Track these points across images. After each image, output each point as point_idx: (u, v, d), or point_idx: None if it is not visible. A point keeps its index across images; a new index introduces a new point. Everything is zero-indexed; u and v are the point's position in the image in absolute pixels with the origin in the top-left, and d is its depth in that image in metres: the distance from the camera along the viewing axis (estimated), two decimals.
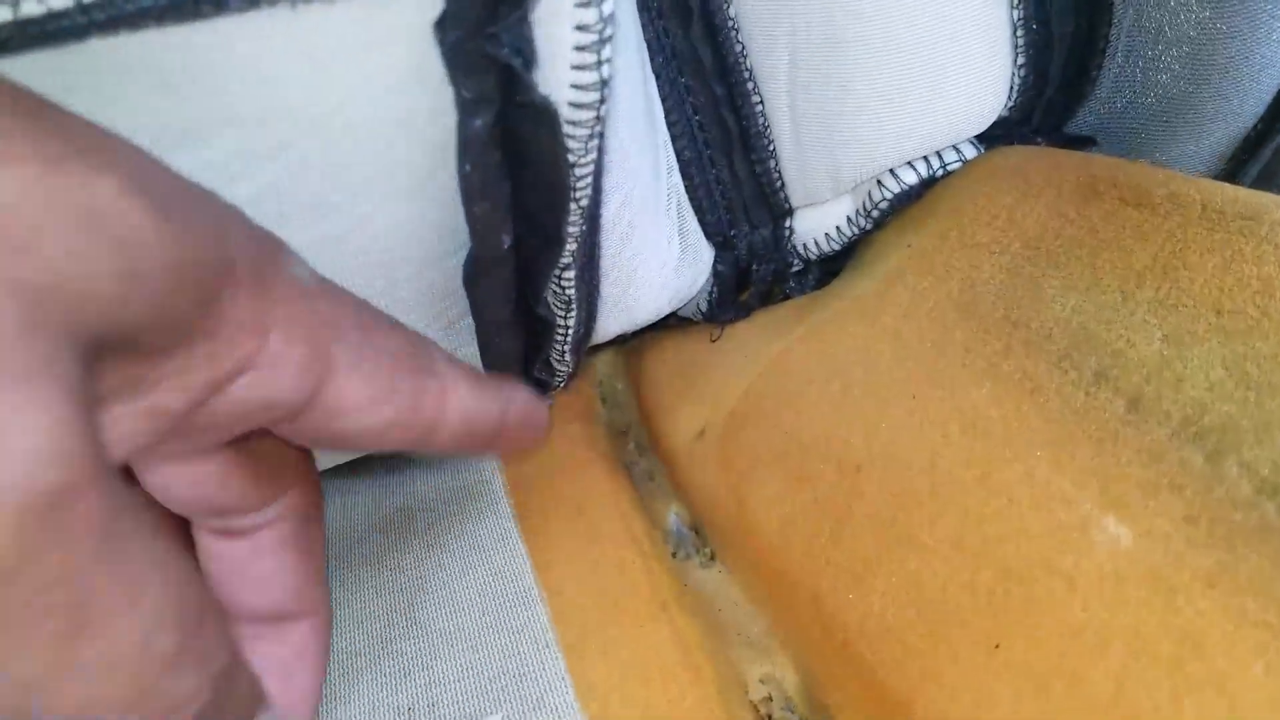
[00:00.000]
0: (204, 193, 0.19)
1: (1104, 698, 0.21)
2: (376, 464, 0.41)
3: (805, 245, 0.39)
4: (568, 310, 0.33)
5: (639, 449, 0.43)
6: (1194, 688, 0.19)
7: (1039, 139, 0.38)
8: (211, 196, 0.19)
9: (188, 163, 0.23)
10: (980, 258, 0.32)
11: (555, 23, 0.23)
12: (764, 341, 0.39)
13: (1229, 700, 0.19)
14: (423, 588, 0.34)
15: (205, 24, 0.21)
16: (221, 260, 0.18)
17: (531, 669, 0.30)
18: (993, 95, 0.35)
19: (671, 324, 0.44)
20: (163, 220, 0.16)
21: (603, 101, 0.25)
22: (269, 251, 0.20)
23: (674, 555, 0.37)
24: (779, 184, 0.38)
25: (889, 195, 0.36)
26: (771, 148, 0.37)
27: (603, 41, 0.24)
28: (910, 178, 0.36)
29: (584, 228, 0.29)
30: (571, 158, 0.26)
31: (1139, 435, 0.24)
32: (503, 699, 0.30)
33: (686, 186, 0.37)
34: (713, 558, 0.36)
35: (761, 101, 0.36)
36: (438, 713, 0.30)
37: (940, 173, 0.36)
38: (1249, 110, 0.35)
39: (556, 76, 0.24)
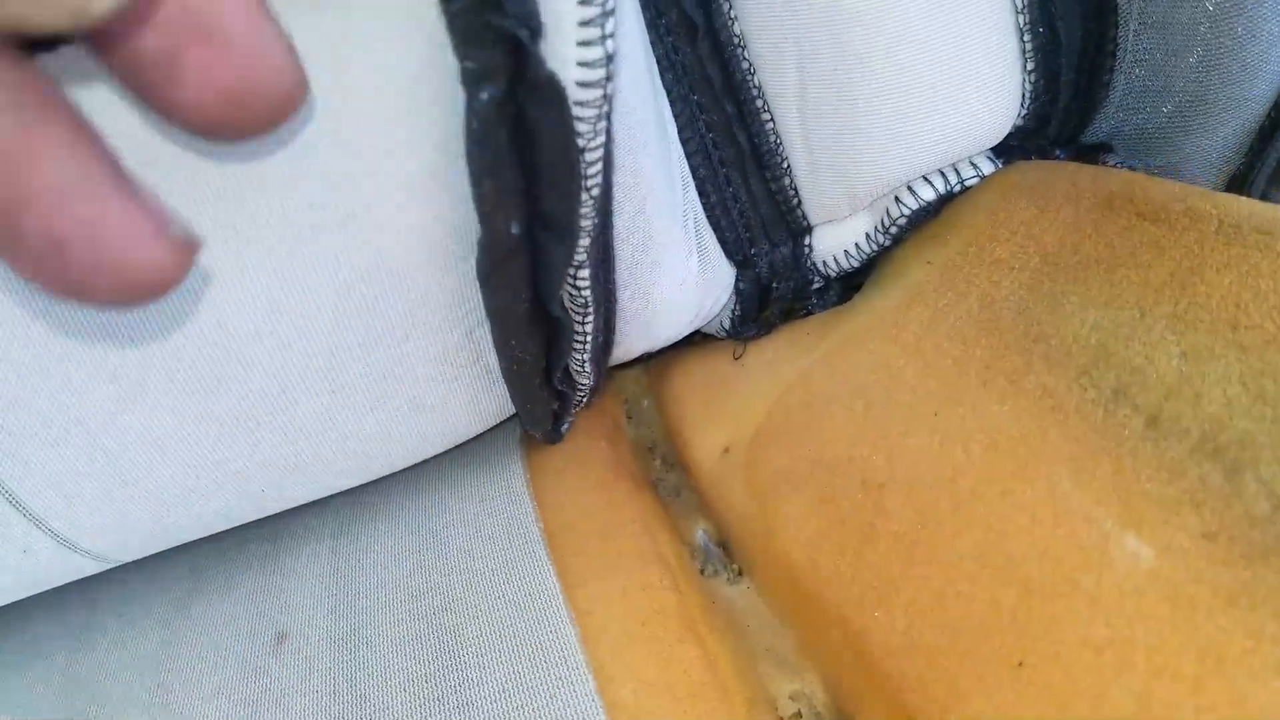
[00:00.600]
0: None
1: (1126, 715, 0.21)
2: (408, 487, 0.41)
3: (825, 262, 0.40)
4: (584, 313, 0.33)
5: (666, 465, 0.44)
6: (1215, 705, 0.20)
7: (1057, 151, 0.38)
8: None
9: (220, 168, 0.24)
10: (1000, 274, 0.32)
11: (558, 1, 0.24)
12: (787, 359, 0.39)
13: (1250, 717, 0.19)
14: (452, 609, 0.34)
15: None
16: None
17: (561, 690, 0.31)
18: (1004, 104, 0.35)
19: (695, 341, 0.45)
20: None
21: (609, 79, 0.26)
22: None
23: (702, 572, 0.37)
24: (795, 201, 0.38)
25: (906, 211, 0.36)
26: (785, 165, 0.37)
27: (606, 15, 0.24)
28: (928, 194, 0.36)
29: (596, 221, 0.29)
30: (581, 141, 0.26)
31: (1158, 452, 0.24)
32: None
33: (704, 205, 0.38)
34: (740, 574, 0.37)
35: (772, 119, 0.37)
36: None
37: (958, 188, 0.36)
38: (1260, 94, 0.35)
39: (563, 54, 0.25)
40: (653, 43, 0.35)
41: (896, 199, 0.37)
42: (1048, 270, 0.31)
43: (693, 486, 0.41)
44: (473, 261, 0.29)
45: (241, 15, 0.19)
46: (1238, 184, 0.38)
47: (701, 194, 0.38)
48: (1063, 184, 0.33)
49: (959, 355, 0.31)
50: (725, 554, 0.38)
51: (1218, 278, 0.26)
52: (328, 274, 0.29)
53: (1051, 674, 0.22)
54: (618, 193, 0.32)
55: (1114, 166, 0.38)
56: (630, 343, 0.39)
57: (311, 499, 0.38)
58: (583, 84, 0.25)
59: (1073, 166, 0.34)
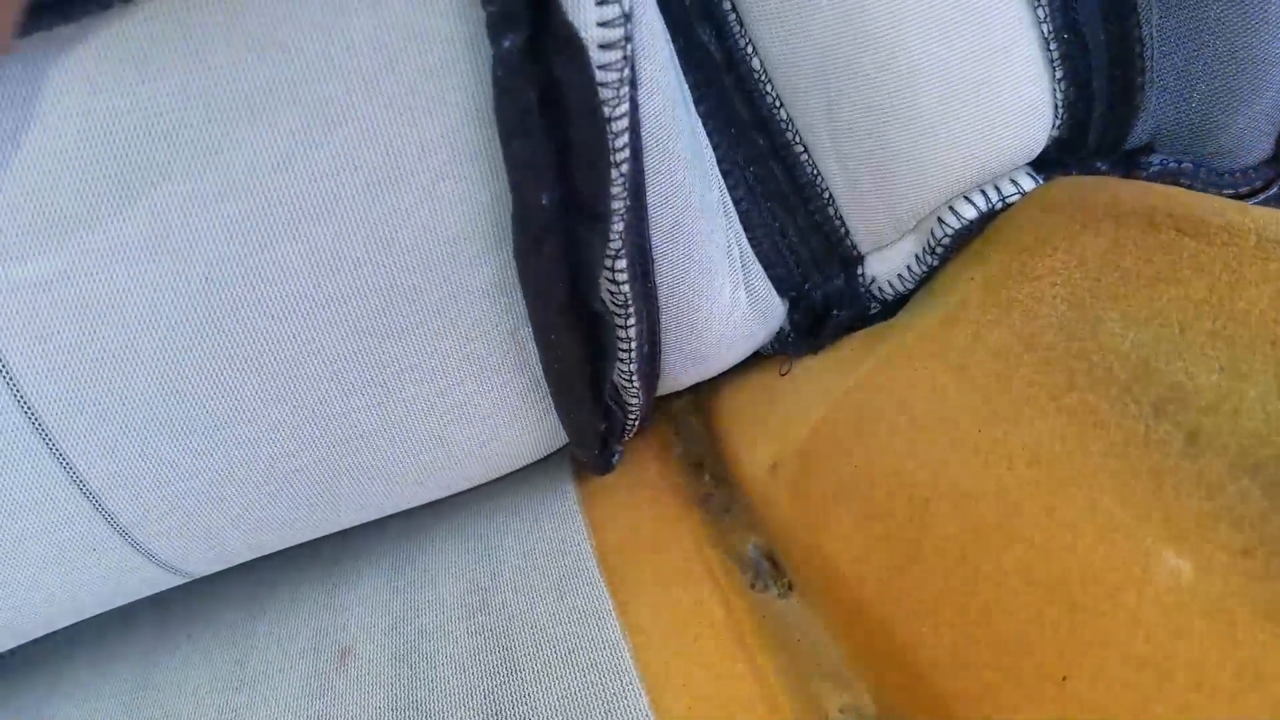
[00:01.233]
0: None
1: None
2: (463, 508, 0.42)
3: (880, 288, 0.40)
4: (625, 313, 0.34)
5: (715, 480, 0.44)
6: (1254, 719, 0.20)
7: (1098, 162, 0.38)
8: None
9: (261, 135, 0.25)
10: (1042, 290, 0.33)
11: None
12: (833, 375, 0.39)
13: None
14: (509, 626, 0.35)
15: None
16: None
17: (616, 705, 0.32)
18: (1037, 116, 0.35)
19: None
20: None
21: (628, 40, 0.27)
22: None
23: (752, 587, 0.38)
24: (844, 232, 0.39)
25: (950, 231, 0.37)
26: (827, 195, 0.38)
27: None
28: (969, 212, 0.37)
29: (629, 204, 0.30)
30: (607, 109, 0.27)
31: (1197, 468, 0.24)
32: None
33: (750, 240, 0.38)
34: (790, 588, 0.37)
35: (806, 150, 0.37)
36: None
37: (999, 205, 0.37)
38: None
39: (583, 13, 0.26)
40: (685, 71, 0.36)
41: (940, 219, 0.37)
42: (1089, 286, 0.31)
43: (742, 501, 0.42)
44: (510, 251, 0.30)
45: None
46: None
47: (747, 228, 0.38)
48: (1103, 199, 0.33)
49: (1002, 372, 0.31)
50: (775, 568, 0.39)
51: (1256, 293, 0.26)
52: (376, 242, 0.29)
53: (1095, 689, 0.23)
54: (651, 186, 0.32)
55: (1166, 166, 0.38)
56: (679, 374, 0.40)
57: (371, 518, 0.39)
58: (604, 45, 0.26)
59: (1114, 182, 0.35)
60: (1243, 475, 0.23)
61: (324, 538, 0.41)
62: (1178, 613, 0.22)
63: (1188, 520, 0.23)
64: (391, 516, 0.42)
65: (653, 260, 0.34)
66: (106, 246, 0.27)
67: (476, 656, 0.35)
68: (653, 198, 0.32)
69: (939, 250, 0.38)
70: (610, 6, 0.26)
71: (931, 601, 0.28)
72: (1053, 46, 0.34)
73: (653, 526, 0.39)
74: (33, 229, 0.26)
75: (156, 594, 0.40)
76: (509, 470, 0.40)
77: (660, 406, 0.48)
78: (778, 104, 0.37)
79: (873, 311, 0.41)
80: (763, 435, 0.41)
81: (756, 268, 0.39)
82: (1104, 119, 0.36)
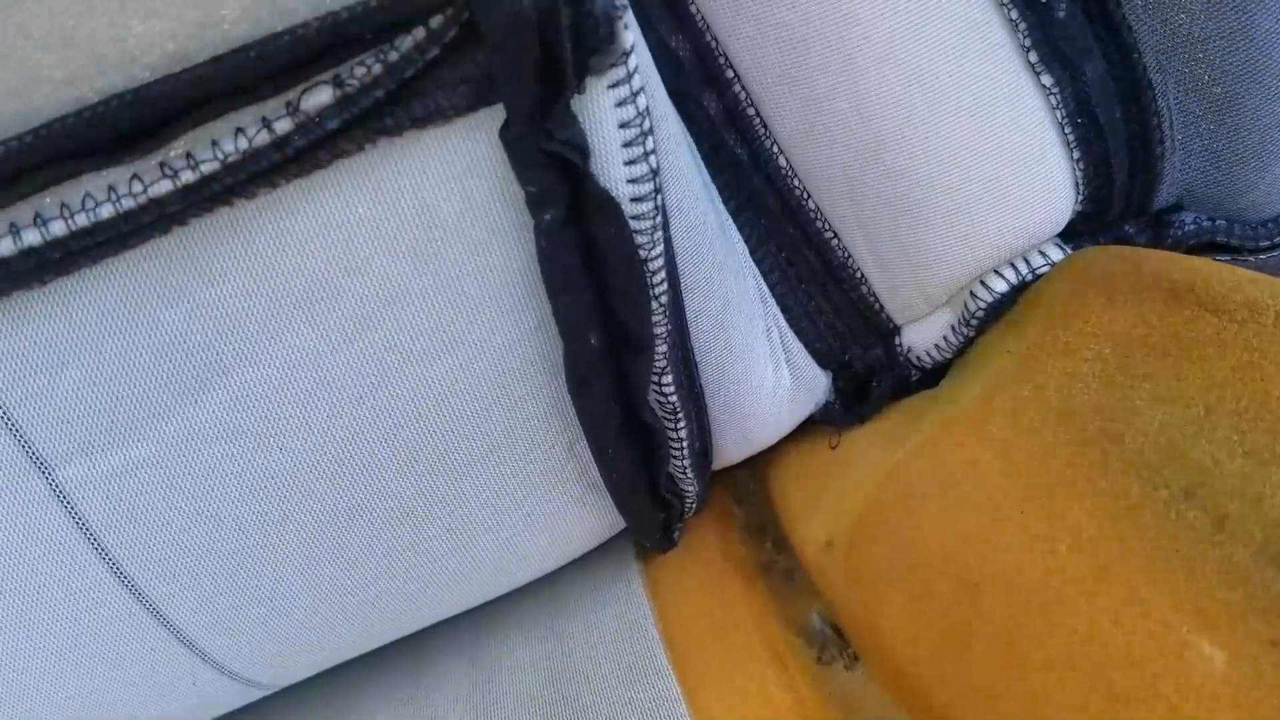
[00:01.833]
0: None
1: None
2: (533, 593, 0.44)
3: (919, 357, 0.41)
4: (675, 419, 0.36)
5: (777, 548, 0.46)
6: None
7: (1127, 226, 0.39)
8: None
9: (321, 320, 0.28)
10: (1075, 365, 0.34)
11: (601, 127, 0.27)
12: (880, 449, 0.41)
13: None
14: (583, 718, 0.37)
15: (328, 177, 0.26)
16: None
17: None
18: (1057, 196, 0.36)
19: None
20: None
21: (658, 192, 0.29)
22: None
23: (819, 659, 0.39)
24: (878, 306, 0.40)
25: (983, 304, 0.38)
26: (859, 274, 0.39)
27: (645, 134, 0.28)
28: (1000, 286, 0.38)
29: (671, 328, 0.32)
30: (643, 253, 0.29)
31: (1225, 556, 0.25)
32: None
33: (788, 319, 0.40)
34: (856, 659, 0.38)
35: (835, 235, 0.39)
36: None
37: (1030, 277, 0.38)
38: None
39: (613, 174, 0.28)
40: (712, 173, 0.38)
41: (972, 293, 0.38)
42: (1119, 363, 0.32)
43: (803, 569, 0.43)
44: (563, 377, 0.32)
45: None
46: None
47: (784, 309, 0.40)
48: (1128, 273, 0.34)
49: (1041, 451, 0.32)
50: (840, 637, 0.40)
51: (1277, 373, 0.27)
52: (437, 398, 0.32)
53: None
54: (689, 301, 0.34)
55: (1200, 224, 0.39)
56: (730, 453, 0.41)
57: (445, 616, 0.41)
58: (635, 199, 0.28)
59: (1139, 254, 0.35)
60: (1267, 565, 0.24)
61: None
62: (1212, 703, 0.23)
63: (1218, 609, 0.24)
64: None
65: (696, 365, 0.36)
66: (185, 432, 0.29)
67: None
68: (691, 312, 0.34)
69: (973, 322, 0.39)
70: (639, 165, 0.27)
71: (983, 688, 0.29)
72: (1067, 130, 0.35)
73: (717, 608, 0.40)
74: (120, 422, 0.29)
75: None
76: (573, 559, 0.42)
77: (719, 475, 0.50)
78: (805, 196, 0.39)
79: (914, 379, 0.43)
80: (816, 512, 0.42)
81: (797, 345, 0.41)
82: (1126, 189, 0.37)
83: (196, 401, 0.29)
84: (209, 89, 0.24)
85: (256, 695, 0.40)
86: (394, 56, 0.25)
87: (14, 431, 0.28)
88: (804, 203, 0.39)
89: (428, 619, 0.40)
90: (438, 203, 0.27)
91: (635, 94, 0.27)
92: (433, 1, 0.24)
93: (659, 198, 0.28)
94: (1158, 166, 0.37)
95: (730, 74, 0.38)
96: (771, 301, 0.40)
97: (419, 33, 0.25)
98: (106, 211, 0.24)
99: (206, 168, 0.24)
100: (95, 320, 0.27)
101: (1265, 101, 0.36)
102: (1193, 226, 0.39)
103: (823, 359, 0.42)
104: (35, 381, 0.27)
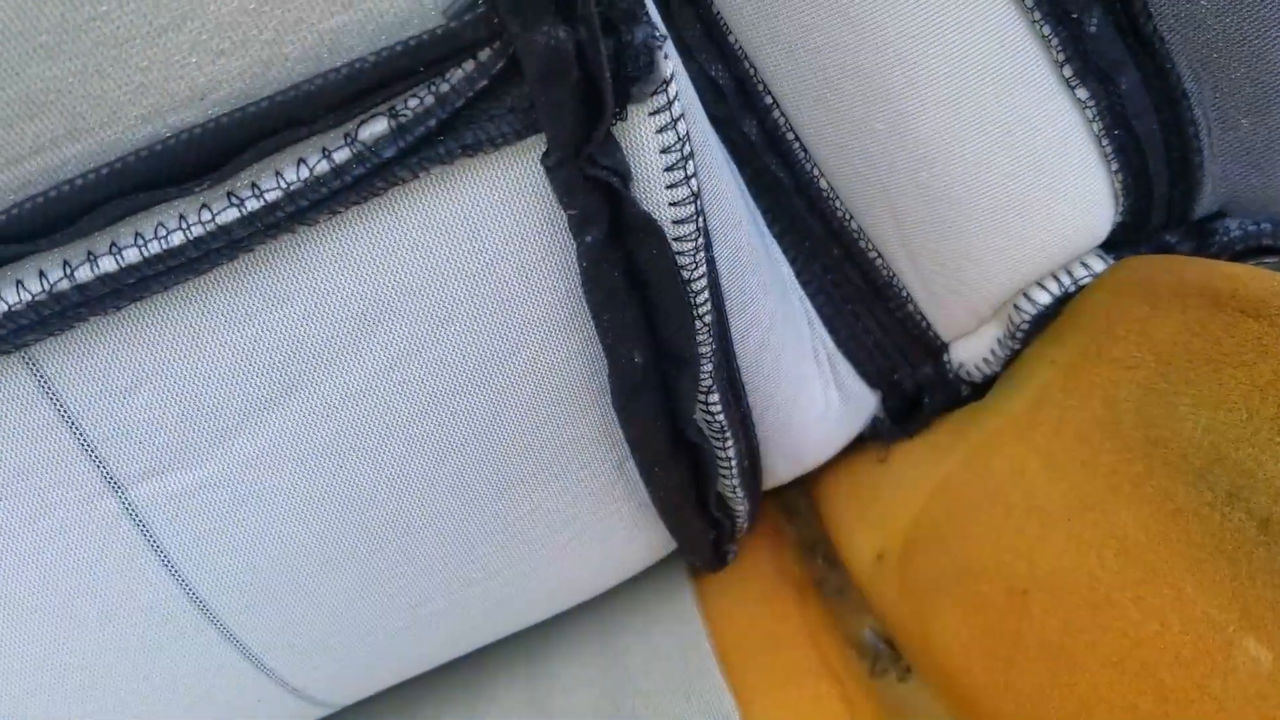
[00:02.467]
0: None
1: None
2: (588, 611, 0.45)
3: (969, 372, 0.42)
4: (723, 438, 0.36)
5: (828, 564, 0.46)
6: None
7: (1167, 235, 0.39)
8: None
9: (378, 341, 0.29)
10: (1118, 374, 0.34)
11: (643, 152, 0.28)
12: (929, 463, 0.41)
13: None
14: None
15: (384, 204, 0.27)
16: None
17: None
18: (1097, 208, 0.37)
19: None
20: None
21: (700, 214, 0.30)
22: None
23: (871, 671, 0.39)
24: (925, 324, 0.41)
25: (1027, 316, 0.38)
26: (905, 293, 0.40)
27: (685, 158, 0.29)
28: (1043, 298, 0.38)
29: (715, 347, 0.33)
30: (685, 273, 0.30)
31: (1269, 556, 0.25)
32: None
33: (835, 340, 0.41)
34: (909, 670, 0.39)
35: (879, 255, 0.39)
36: None
37: (1073, 289, 0.38)
38: None
39: (655, 198, 0.29)
40: (755, 197, 0.39)
41: (1016, 306, 0.39)
42: (1162, 370, 0.33)
43: (854, 583, 0.43)
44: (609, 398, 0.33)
45: None
46: None
47: (831, 330, 0.41)
48: (1170, 281, 0.35)
49: (1086, 459, 0.33)
50: (893, 650, 0.40)
51: None
52: (487, 416, 0.33)
53: None
54: (735, 321, 0.35)
55: (1245, 230, 0.39)
56: (780, 472, 0.42)
57: (501, 635, 0.42)
58: (678, 220, 0.29)
59: (1180, 261, 0.36)
60: None
61: None
62: (1260, 701, 0.24)
63: (1264, 608, 0.25)
64: None
65: (743, 385, 0.36)
66: (252, 451, 0.31)
67: None
68: (736, 333, 0.35)
69: (1019, 335, 0.39)
70: (680, 188, 0.28)
71: (1035, 695, 0.30)
72: (1105, 142, 0.36)
73: (770, 622, 0.41)
74: (190, 442, 0.30)
75: None
76: (627, 577, 0.43)
77: (769, 494, 0.50)
78: (848, 217, 0.39)
79: (964, 395, 0.43)
80: (866, 526, 0.42)
81: (845, 365, 0.41)
82: (1166, 198, 0.37)
83: (262, 421, 0.30)
84: (273, 123, 0.25)
85: (315, 714, 0.41)
86: (445, 88, 0.26)
87: (89, 452, 0.29)
88: (846, 224, 0.39)
89: (483, 638, 0.41)
90: (487, 227, 0.29)
91: (676, 120, 0.28)
92: (481, 35, 0.25)
93: (701, 220, 0.29)
94: (1197, 175, 0.37)
95: (769, 100, 0.39)
96: (819, 323, 0.40)
97: (468, 65, 0.26)
98: (177, 239, 0.26)
99: (271, 196, 0.26)
100: (167, 343, 0.28)
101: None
102: (1239, 232, 0.39)
103: (871, 378, 0.42)
104: (110, 403, 0.29)
